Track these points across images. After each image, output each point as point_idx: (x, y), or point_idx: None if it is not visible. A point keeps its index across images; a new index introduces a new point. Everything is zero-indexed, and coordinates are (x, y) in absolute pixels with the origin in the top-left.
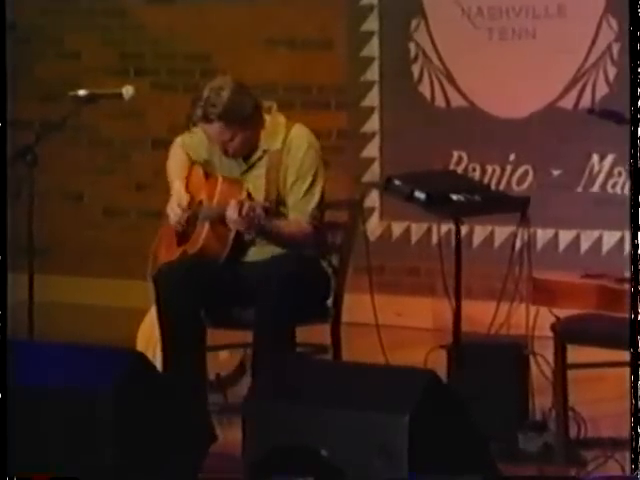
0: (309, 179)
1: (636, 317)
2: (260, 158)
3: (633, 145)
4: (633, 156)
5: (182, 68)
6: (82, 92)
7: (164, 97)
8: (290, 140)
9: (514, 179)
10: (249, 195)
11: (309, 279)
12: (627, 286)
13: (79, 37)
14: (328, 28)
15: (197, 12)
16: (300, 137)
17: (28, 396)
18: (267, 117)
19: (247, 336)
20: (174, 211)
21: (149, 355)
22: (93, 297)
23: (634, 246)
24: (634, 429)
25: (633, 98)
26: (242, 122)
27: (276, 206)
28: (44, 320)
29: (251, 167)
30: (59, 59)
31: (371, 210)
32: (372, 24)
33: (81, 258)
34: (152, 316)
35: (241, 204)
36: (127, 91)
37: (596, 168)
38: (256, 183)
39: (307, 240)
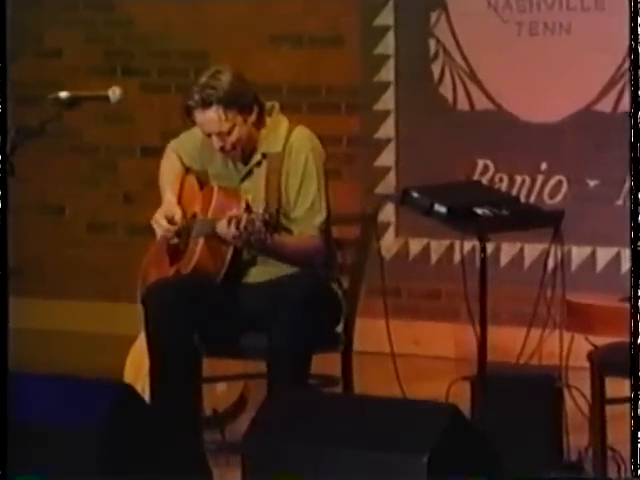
0: (313, 187)
1: (636, 341)
2: (259, 163)
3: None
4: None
5: (175, 67)
6: (64, 94)
7: (155, 99)
8: (291, 144)
9: (546, 191)
10: (247, 206)
11: (320, 302)
12: None
13: (60, 33)
14: (338, 23)
15: (192, 5)
16: (301, 140)
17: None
18: (268, 118)
19: (248, 366)
20: (160, 224)
21: (138, 387)
22: (75, 322)
23: (634, 264)
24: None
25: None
26: (242, 110)
27: (277, 218)
28: (20, 349)
29: (250, 173)
30: (38, 58)
31: (386, 225)
32: (387, 18)
33: (62, 279)
34: (142, 343)
35: (238, 218)
36: (114, 93)
37: None
38: (255, 193)
39: (317, 256)
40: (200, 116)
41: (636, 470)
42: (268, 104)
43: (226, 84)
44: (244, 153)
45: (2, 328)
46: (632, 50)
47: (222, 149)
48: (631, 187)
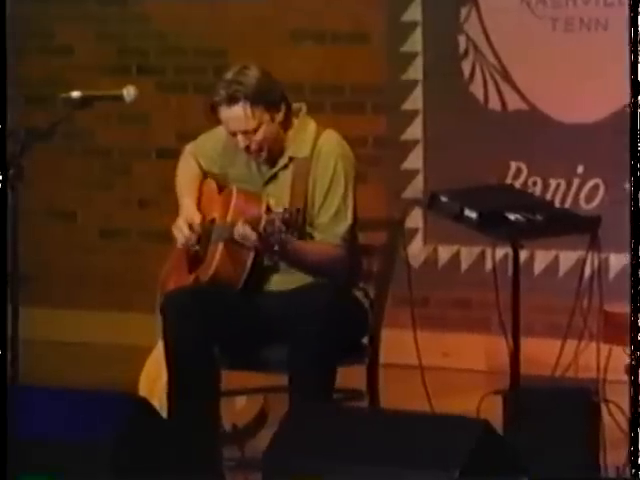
0: (339, 194)
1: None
2: (285, 166)
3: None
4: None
5: (193, 66)
6: (75, 94)
7: (171, 99)
8: (319, 148)
9: (582, 195)
10: (268, 209)
11: (346, 312)
12: None
13: (71, 29)
14: (363, 18)
15: (210, 1)
16: (330, 145)
17: (16, 447)
18: (295, 120)
19: (269, 379)
20: (182, 231)
21: (154, 401)
22: (87, 333)
23: (634, 269)
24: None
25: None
26: (269, 108)
27: (298, 219)
28: (29, 361)
29: (274, 177)
30: (48, 55)
31: (414, 231)
32: (415, 14)
33: (73, 287)
34: (158, 355)
35: (257, 219)
36: (129, 92)
37: None
38: (279, 197)
39: (337, 267)
40: (226, 113)
41: (636, 470)
42: (295, 105)
43: (253, 80)
44: (270, 155)
45: (2, 339)
46: (632, 42)
47: (247, 149)
48: (631, 187)
